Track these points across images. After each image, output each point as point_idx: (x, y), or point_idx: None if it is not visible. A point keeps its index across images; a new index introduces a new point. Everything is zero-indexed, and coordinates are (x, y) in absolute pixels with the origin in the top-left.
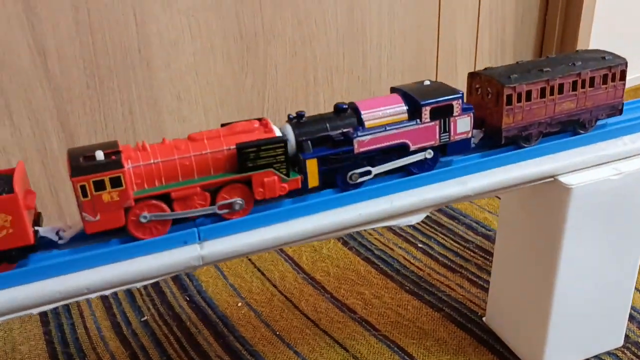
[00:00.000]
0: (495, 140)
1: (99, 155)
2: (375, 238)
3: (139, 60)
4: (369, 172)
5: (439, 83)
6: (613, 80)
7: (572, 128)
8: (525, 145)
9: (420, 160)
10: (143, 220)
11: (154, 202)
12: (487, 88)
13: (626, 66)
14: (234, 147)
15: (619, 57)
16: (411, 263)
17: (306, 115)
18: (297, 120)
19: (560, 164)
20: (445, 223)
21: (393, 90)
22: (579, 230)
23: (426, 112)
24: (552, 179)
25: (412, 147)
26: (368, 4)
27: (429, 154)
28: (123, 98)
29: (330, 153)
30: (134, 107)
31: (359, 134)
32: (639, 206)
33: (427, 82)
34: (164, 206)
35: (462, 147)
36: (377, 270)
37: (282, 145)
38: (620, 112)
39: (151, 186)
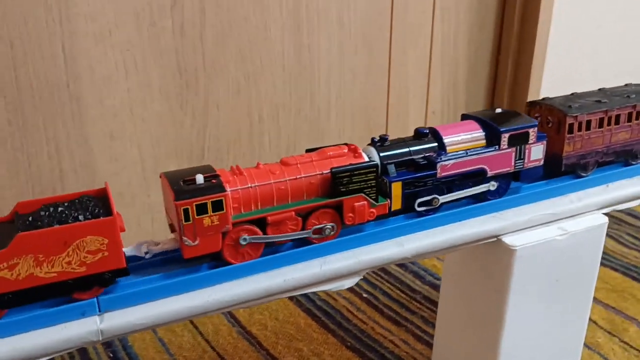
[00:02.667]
0: (555, 168)
1: (199, 179)
2: None
3: (68, 96)
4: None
5: (512, 111)
6: None
7: (623, 159)
8: (583, 175)
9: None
10: (242, 242)
11: (249, 226)
12: (547, 117)
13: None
14: (327, 171)
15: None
16: (354, 315)
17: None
18: (381, 144)
19: (504, 223)
20: (393, 271)
21: (465, 117)
22: (524, 292)
23: (505, 138)
24: (495, 239)
25: (490, 173)
26: (317, 42)
27: (492, 186)
28: (49, 136)
29: (414, 177)
30: (61, 145)
31: (443, 158)
32: (586, 267)
33: (498, 110)
34: (259, 231)
35: (535, 174)
36: (318, 323)
37: (373, 170)
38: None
39: (247, 210)
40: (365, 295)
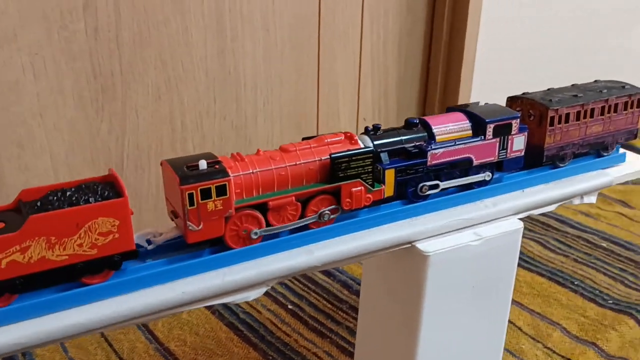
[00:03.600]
0: (536, 159)
1: (203, 164)
2: None
3: None
4: (437, 186)
5: (495, 104)
6: (632, 107)
7: (595, 152)
8: (561, 165)
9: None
10: (254, 236)
11: (251, 211)
12: (529, 110)
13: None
14: (326, 157)
15: (635, 87)
16: (278, 328)
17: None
18: (374, 133)
19: (417, 229)
20: (320, 280)
21: (451, 109)
22: (440, 299)
23: (490, 129)
24: (409, 245)
25: (475, 162)
26: (241, 47)
27: (488, 177)
28: None
29: (406, 164)
30: None
31: (433, 146)
32: (503, 272)
33: (482, 103)
34: (260, 216)
35: (516, 163)
36: (239, 337)
37: (370, 156)
38: (635, 136)
39: (249, 196)
40: (290, 306)
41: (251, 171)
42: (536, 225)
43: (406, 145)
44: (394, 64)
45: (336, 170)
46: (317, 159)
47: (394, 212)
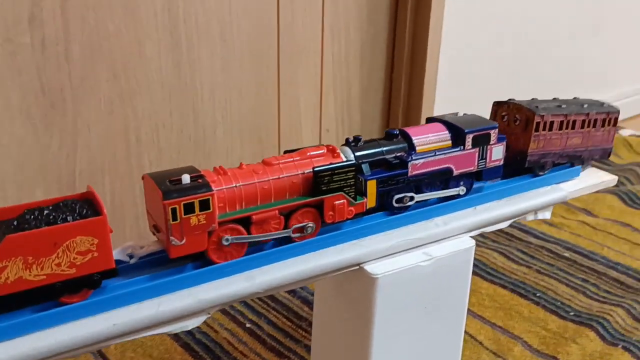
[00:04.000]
0: (519, 164)
1: (186, 178)
2: None
3: None
4: (413, 198)
5: (473, 115)
6: (609, 124)
7: (571, 164)
8: (541, 174)
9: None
10: (225, 243)
11: (234, 226)
12: (515, 115)
13: (618, 114)
14: (309, 171)
15: (612, 106)
16: (235, 348)
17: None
18: (355, 144)
19: (365, 250)
20: (280, 297)
21: (430, 120)
22: (390, 321)
23: (469, 139)
24: (357, 267)
25: (455, 172)
26: (197, 58)
27: (462, 191)
28: None
29: (387, 175)
30: None
31: (413, 157)
32: (455, 292)
33: (460, 114)
34: (243, 230)
35: (495, 173)
36: (195, 358)
37: (353, 169)
38: (609, 155)
39: (232, 210)
40: (248, 325)
41: (234, 185)
42: (500, 236)
43: (387, 156)
44: (357, 75)
45: (319, 183)
46: (299, 172)
47: (343, 232)
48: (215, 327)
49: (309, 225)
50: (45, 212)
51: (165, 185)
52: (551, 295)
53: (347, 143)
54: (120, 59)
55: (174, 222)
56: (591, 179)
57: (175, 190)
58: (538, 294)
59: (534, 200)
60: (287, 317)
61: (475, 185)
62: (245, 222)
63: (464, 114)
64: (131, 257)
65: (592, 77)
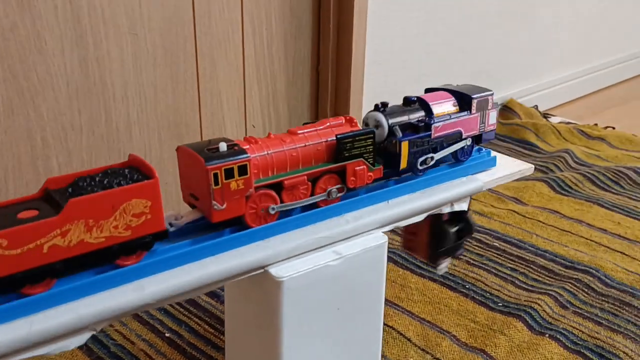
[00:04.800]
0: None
1: (223, 146)
2: (116, 329)
3: None
4: (432, 158)
5: (468, 84)
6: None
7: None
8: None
9: (464, 148)
10: (271, 211)
11: (268, 191)
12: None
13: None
14: (331, 139)
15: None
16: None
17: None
18: (384, 110)
19: (270, 252)
20: (203, 302)
21: (428, 90)
22: (301, 325)
23: (474, 104)
24: (262, 270)
25: (464, 135)
26: (106, 54)
27: (468, 142)
28: None
29: (417, 137)
30: None
31: (435, 120)
32: (370, 290)
33: (456, 84)
34: (276, 195)
35: (490, 136)
36: None
37: (371, 137)
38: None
39: (265, 176)
40: (168, 334)
41: (266, 152)
42: None
43: (413, 121)
44: (282, 68)
45: (341, 150)
46: (323, 140)
47: (247, 234)
48: (132, 338)
49: (333, 190)
50: (97, 178)
51: (205, 153)
52: (480, 287)
53: (377, 108)
54: (17, 54)
55: (215, 187)
56: (508, 168)
57: (216, 157)
58: (467, 286)
59: (450, 192)
60: (210, 323)
61: (385, 180)
62: (277, 188)
63: (457, 85)
64: (171, 225)
65: (521, 64)
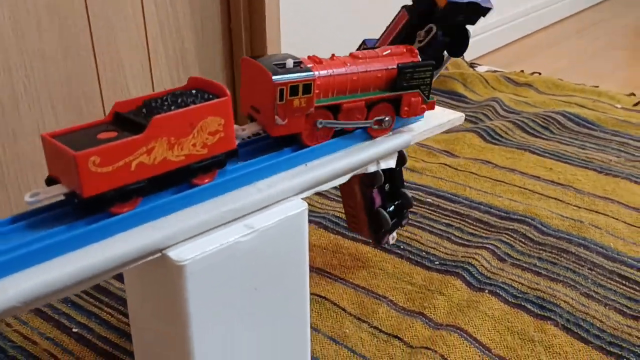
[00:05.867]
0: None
1: (289, 63)
2: (15, 329)
3: None
4: None
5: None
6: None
7: None
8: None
9: None
10: (319, 125)
11: (326, 112)
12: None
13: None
14: (392, 67)
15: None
16: (58, 359)
17: None
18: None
19: (167, 232)
20: (115, 289)
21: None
22: (212, 313)
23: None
24: (159, 254)
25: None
26: None
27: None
28: None
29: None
30: None
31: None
32: (291, 264)
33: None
34: (332, 117)
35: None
36: None
37: (430, 69)
38: None
39: (325, 97)
40: (76, 329)
41: (329, 73)
42: None
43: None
44: (189, 27)
45: (401, 79)
46: (384, 67)
47: (136, 213)
48: (34, 337)
49: (387, 118)
50: (168, 99)
51: (273, 67)
52: (416, 246)
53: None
54: None
55: (280, 103)
56: (437, 119)
57: (283, 73)
58: (402, 246)
59: (375, 149)
60: (123, 312)
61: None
62: (334, 110)
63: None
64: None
65: None
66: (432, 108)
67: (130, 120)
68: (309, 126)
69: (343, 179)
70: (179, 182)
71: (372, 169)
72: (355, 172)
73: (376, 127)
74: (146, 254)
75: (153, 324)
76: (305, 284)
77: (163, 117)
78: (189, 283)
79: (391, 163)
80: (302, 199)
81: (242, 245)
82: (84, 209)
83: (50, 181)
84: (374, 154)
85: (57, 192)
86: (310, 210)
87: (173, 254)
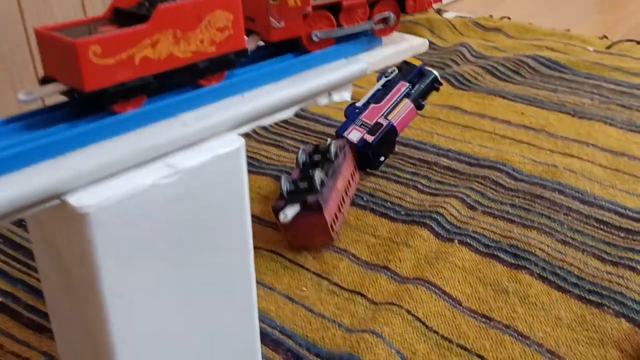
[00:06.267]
0: None
1: None
2: None
3: None
4: None
5: None
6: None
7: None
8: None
9: None
10: (315, 38)
11: (325, 12)
12: None
13: None
14: None
15: None
16: None
17: None
18: None
19: (66, 173)
20: None
21: None
22: (129, 272)
23: None
24: (57, 200)
25: None
26: None
27: None
28: None
29: None
30: None
31: None
32: (225, 210)
33: None
34: (332, 17)
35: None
36: None
37: None
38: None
39: None
40: (0, 299)
41: None
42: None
43: None
44: None
45: None
46: None
47: (34, 149)
48: None
49: (392, 16)
50: None
51: None
52: (380, 196)
53: None
54: None
55: (274, 2)
56: (396, 45)
57: None
58: (365, 198)
59: (325, 77)
60: None
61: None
62: (335, 11)
63: None
64: None
65: None
66: (441, 1)
67: (131, 14)
68: (309, 29)
69: (287, 113)
70: (185, 82)
71: (323, 102)
72: (302, 105)
73: (381, 26)
74: (40, 200)
75: (62, 288)
76: (246, 237)
77: (168, 7)
78: (96, 235)
79: (346, 96)
80: (239, 135)
81: (164, 189)
82: (85, 107)
83: (46, 82)
84: (324, 83)
85: (53, 90)
86: (265, 163)
87: (74, 200)
